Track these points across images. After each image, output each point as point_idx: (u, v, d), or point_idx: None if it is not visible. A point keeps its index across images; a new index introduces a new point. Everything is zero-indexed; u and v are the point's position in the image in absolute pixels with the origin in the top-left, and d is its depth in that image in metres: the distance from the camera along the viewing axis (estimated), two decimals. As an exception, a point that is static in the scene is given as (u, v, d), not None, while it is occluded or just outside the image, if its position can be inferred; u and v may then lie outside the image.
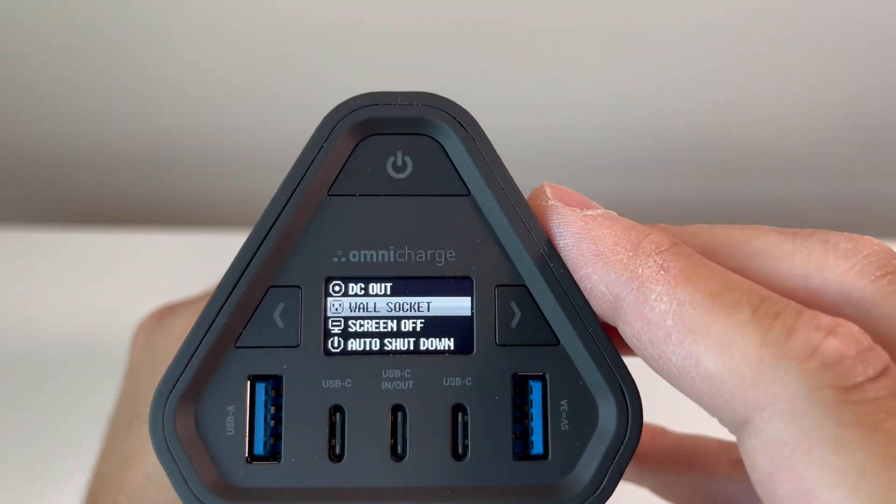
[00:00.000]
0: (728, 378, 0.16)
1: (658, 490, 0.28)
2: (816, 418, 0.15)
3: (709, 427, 0.22)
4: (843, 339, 0.16)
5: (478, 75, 0.60)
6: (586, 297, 0.20)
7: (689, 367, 0.17)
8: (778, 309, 0.17)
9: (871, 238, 0.19)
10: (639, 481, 0.28)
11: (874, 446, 0.15)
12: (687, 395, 0.18)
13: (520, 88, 0.61)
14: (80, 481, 0.32)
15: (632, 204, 0.68)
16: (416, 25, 0.56)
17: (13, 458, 0.51)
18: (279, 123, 0.63)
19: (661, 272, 0.18)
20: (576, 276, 0.20)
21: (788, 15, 0.55)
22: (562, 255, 0.20)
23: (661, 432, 0.28)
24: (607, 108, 0.62)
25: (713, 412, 0.17)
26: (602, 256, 0.19)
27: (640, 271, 0.18)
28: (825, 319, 0.16)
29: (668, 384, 0.19)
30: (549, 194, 0.21)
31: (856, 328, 0.16)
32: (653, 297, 0.18)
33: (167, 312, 0.30)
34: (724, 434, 0.20)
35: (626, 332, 0.19)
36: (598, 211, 0.20)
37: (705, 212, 0.69)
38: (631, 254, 0.19)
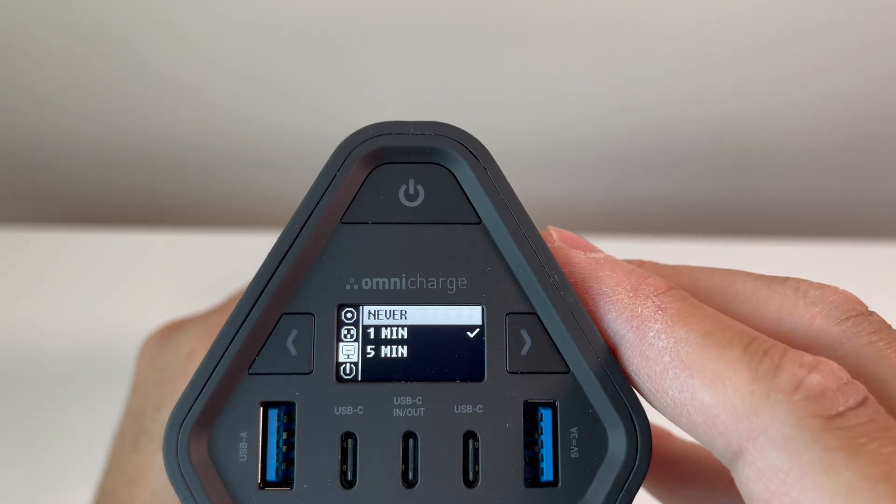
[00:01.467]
0: (722, 410, 0.18)
1: (655, 493, 0.29)
2: (805, 444, 0.16)
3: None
4: (824, 375, 0.17)
5: (479, 75, 0.60)
6: None
7: (686, 401, 0.18)
8: (766, 347, 0.18)
9: (836, 287, 0.21)
10: None
11: (859, 467, 0.16)
12: (682, 427, 0.19)
13: (521, 88, 0.61)
14: (84, 495, 0.32)
15: (632, 203, 0.68)
16: (417, 25, 0.56)
17: (16, 464, 0.51)
18: (280, 123, 0.63)
19: (659, 312, 0.20)
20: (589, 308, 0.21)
21: (789, 15, 0.55)
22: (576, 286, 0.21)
23: (667, 436, 0.29)
24: (607, 109, 0.62)
25: (708, 444, 0.19)
26: (605, 296, 0.21)
27: (639, 311, 0.20)
28: (808, 358, 0.18)
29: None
30: (554, 237, 0.23)
31: (835, 365, 0.18)
32: (651, 334, 0.19)
33: (174, 329, 0.30)
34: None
35: (628, 368, 0.20)
36: (601, 255, 0.22)
37: (706, 211, 0.69)
38: (631, 294, 0.20)
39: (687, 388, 0.18)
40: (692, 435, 0.19)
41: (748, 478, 0.17)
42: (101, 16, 0.56)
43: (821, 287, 0.21)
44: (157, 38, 0.57)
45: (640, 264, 0.23)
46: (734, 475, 0.18)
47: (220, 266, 0.54)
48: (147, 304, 0.55)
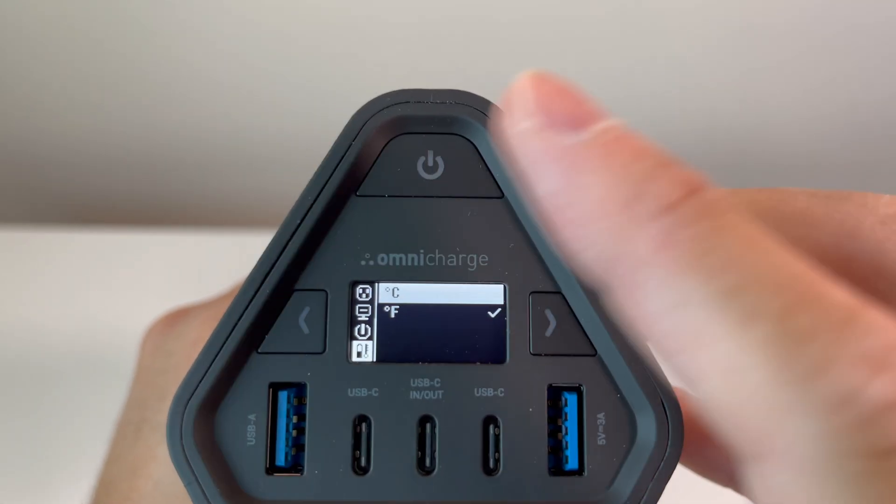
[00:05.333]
0: (734, 412, 0.13)
1: None
2: (835, 488, 0.12)
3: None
4: (894, 378, 0.12)
5: (482, 76, 0.59)
6: (572, 262, 0.15)
7: (691, 379, 0.13)
8: (813, 323, 0.12)
9: None
10: None
11: None
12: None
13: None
14: (85, 486, 0.31)
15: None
16: (418, 23, 0.55)
17: (17, 462, 0.50)
18: (280, 123, 0.62)
19: (663, 250, 0.13)
20: (556, 240, 0.15)
21: (794, 16, 0.55)
22: (539, 211, 0.15)
23: (682, 395, 0.26)
24: (609, 109, 0.62)
25: (713, 431, 0.14)
26: (585, 220, 0.14)
27: (632, 247, 0.13)
28: (876, 341, 0.12)
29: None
30: (529, 103, 0.14)
31: None
32: (651, 284, 0.13)
33: (179, 316, 0.29)
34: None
35: (621, 313, 0.14)
36: (595, 129, 0.14)
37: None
38: (624, 216, 0.13)
39: (693, 367, 0.13)
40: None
41: (755, 488, 0.13)
42: (101, 16, 0.55)
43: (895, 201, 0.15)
44: (157, 38, 0.57)
45: (664, 164, 0.14)
46: (740, 472, 0.14)
47: (220, 266, 0.54)
48: (146, 304, 0.54)
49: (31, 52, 0.58)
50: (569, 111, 0.14)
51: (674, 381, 0.19)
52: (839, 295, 0.12)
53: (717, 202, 0.13)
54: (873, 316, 0.12)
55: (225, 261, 0.55)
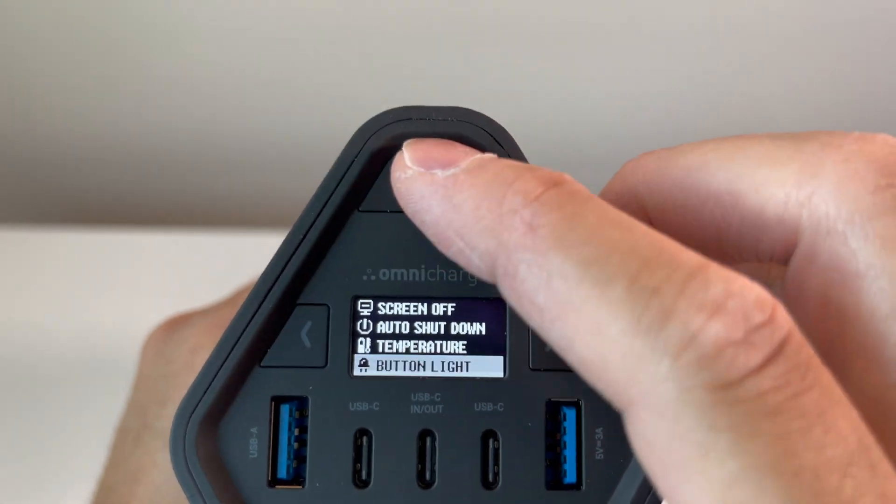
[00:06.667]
0: (599, 368, 0.14)
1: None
2: (688, 422, 0.13)
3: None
4: (729, 320, 0.13)
5: (485, 77, 0.59)
6: (471, 273, 0.17)
7: (564, 348, 0.15)
8: (658, 280, 0.14)
9: (886, 136, 0.16)
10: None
11: (747, 455, 0.13)
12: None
13: (527, 91, 0.60)
14: (84, 491, 0.31)
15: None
16: (420, 23, 0.56)
17: (15, 465, 0.50)
18: (281, 123, 0.62)
19: (529, 234, 0.15)
20: (449, 254, 0.17)
21: (794, 16, 0.55)
22: (430, 232, 0.17)
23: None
24: (610, 109, 0.62)
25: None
26: (467, 227, 0.16)
27: (504, 237, 0.15)
28: (714, 291, 0.13)
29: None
30: (407, 161, 0.18)
31: (753, 294, 0.14)
32: (522, 268, 0.15)
33: (179, 322, 0.30)
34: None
35: (514, 308, 0.16)
36: (462, 165, 0.17)
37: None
38: (496, 215, 0.15)
39: (565, 335, 0.14)
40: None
41: (631, 434, 0.14)
42: (101, 15, 0.55)
43: (862, 139, 0.16)
44: (157, 38, 0.57)
45: (537, 168, 0.16)
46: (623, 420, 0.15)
47: (220, 266, 0.54)
48: (147, 304, 0.54)
49: (31, 53, 0.58)
50: (440, 156, 0.17)
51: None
52: (686, 255, 0.14)
53: (577, 192, 0.15)
54: (716, 269, 0.14)
55: (225, 261, 0.55)
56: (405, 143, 0.18)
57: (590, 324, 0.14)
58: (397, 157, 0.18)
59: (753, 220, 0.17)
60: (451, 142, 0.18)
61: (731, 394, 0.13)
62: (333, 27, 0.56)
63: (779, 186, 0.16)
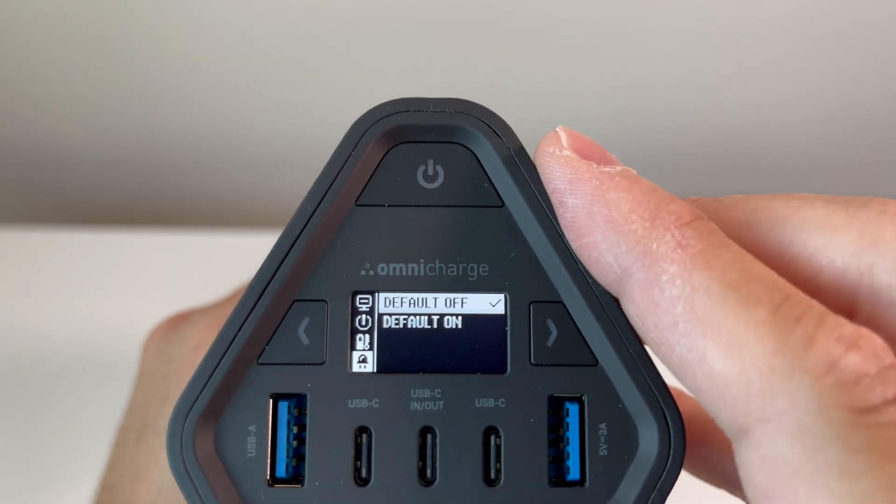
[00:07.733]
0: (733, 382, 0.15)
1: None
2: (824, 440, 0.14)
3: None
4: (864, 355, 0.14)
5: (484, 76, 0.59)
6: (590, 265, 0.18)
7: (693, 362, 0.16)
8: (799, 312, 0.15)
9: None
10: None
11: (883, 476, 0.13)
12: (686, 387, 0.17)
13: (524, 89, 0.60)
14: (86, 490, 0.31)
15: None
16: (419, 23, 0.55)
17: (17, 465, 0.50)
18: (280, 124, 0.62)
19: (678, 250, 0.16)
20: (581, 242, 0.18)
21: (794, 17, 0.55)
22: (568, 215, 0.18)
23: (679, 395, 0.27)
24: (610, 109, 0.62)
25: (711, 412, 0.16)
26: (614, 224, 0.17)
27: (654, 246, 0.16)
28: (848, 329, 0.15)
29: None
30: (564, 142, 0.19)
31: (879, 341, 0.15)
32: (665, 277, 0.16)
33: (180, 321, 0.29)
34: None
35: (630, 310, 0.17)
36: (617, 168, 0.18)
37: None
38: (647, 224, 0.17)
39: (697, 348, 0.15)
40: (695, 397, 0.16)
41: (750, 461, 0.15)
42: (101, 16, 0.55)
43: None
44: (156, 39, 0.57)
45: (675, 197, 0.18)
46: (735, 452, 0.16)
47: (220, 266, 0.54)
48: (147, 304, 0.54)
49: (31, 53, 0.58)
50: (598, 153, 0.19)
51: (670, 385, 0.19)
52: (810, 298, 0.16)
53: (718, 229, 0.17)
54: (838, 315, 0.15)
55: (225, 261, 0.55)
56: (559, 127, 0.19)
57: (729, 339, 0.15)
58: (550, 134, 0.19)
59: (806, 284, 0.17)
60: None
61: (869, 418, 0.14)
62: (333, 27, 0.55)
63: (837, 254, 0.17)
